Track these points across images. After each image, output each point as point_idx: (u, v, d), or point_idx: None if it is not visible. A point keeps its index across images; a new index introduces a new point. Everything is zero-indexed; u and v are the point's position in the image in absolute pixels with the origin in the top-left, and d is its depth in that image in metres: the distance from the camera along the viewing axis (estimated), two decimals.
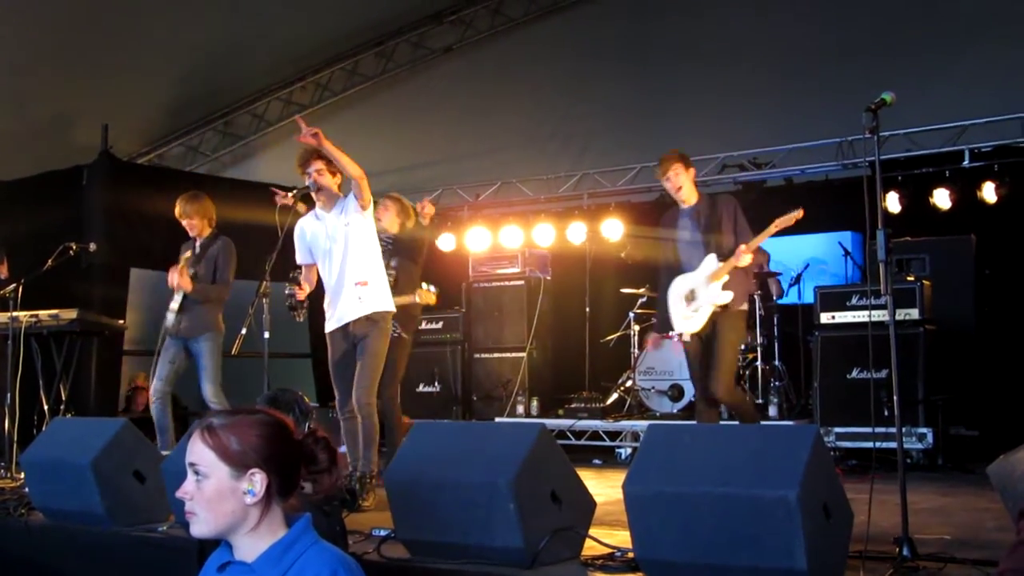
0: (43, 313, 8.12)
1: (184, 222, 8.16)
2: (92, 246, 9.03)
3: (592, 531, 4.49)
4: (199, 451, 2.78)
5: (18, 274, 8.34)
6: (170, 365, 7.84)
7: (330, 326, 6.69)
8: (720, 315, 6.98)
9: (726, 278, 7.00)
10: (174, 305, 7.82)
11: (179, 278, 7.69)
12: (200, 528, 2.78)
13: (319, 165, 6.54)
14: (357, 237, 6.59)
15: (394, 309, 6.76)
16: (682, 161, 7.32)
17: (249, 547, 2.82)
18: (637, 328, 10.77)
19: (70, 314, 8.11)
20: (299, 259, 6.91)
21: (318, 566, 2.78)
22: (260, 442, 2.81)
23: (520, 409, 10.88)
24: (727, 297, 6.97)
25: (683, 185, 7.30)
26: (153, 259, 11.48)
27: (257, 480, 2.79)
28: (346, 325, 6.60)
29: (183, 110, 15.24)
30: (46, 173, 11.09)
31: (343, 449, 6.84)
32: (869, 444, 7.88)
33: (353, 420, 6.62)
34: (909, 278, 8.65)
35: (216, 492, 2.76)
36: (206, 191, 9.27)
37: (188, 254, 8.04)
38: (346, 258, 6.59)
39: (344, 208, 6.60)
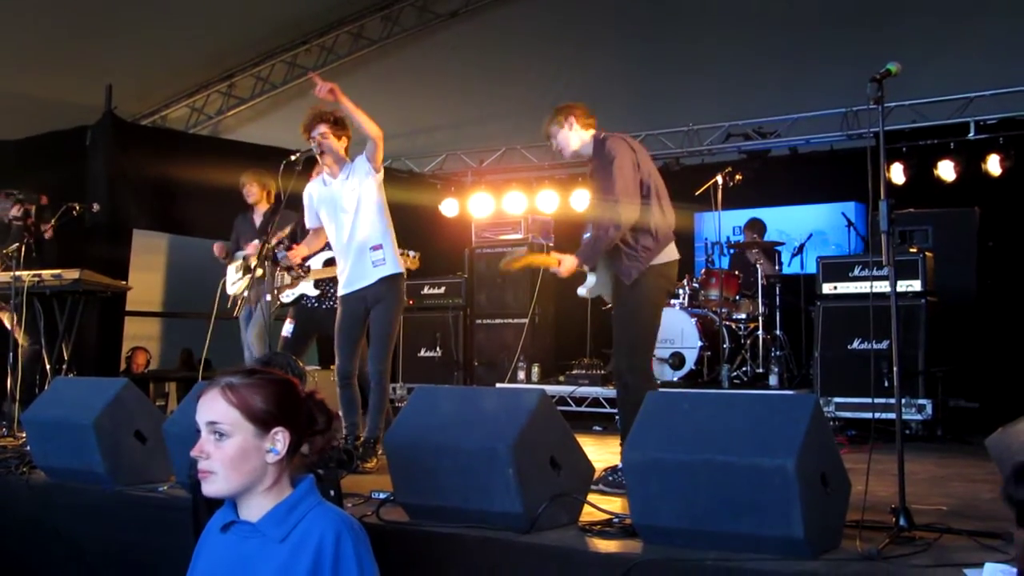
0: (46, 273, 8.12)
1: (244, 191, 8.35)
2: (95, 206, 9.03)
3: (591, 497, 4.50)
4: (222, 409, 2.78)
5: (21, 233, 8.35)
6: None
7: (343, 290, 6.67)
8: None
9: None
10: (249, 277, 7.91)
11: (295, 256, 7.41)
12: (218, 487, 2.79)
13: (324, 128, 6.50)
14: (368, 201, 6.54)
15: (405, 272, 6.73)
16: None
17: (256, 507, 2.84)
18: None
19: (73, 274, 8.10)
20: (307, 223, 6.90)
21: (322, 526, 2.80)
22: (281, 400, 2.84)
23: (521, 375, 10.90)
24: None
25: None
26: (156, 220, 11.51)
27: (280, 438, 2.82)
28: (360, 290, 6.58)
29: (187, 72, 15.21)
30: (50, 133, 11.07)
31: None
32: (868, 415, 7.90)
33: (349, 388, 6.62)
34: (912, 249, 8.64)
35: (240, 451, 2.77)
36: (209, 153, 9.30)
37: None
38: (356, 222, 6.55)
39: (352, 172, 6.57)
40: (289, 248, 6.93)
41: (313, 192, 6.79)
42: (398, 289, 6.62)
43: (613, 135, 5.96)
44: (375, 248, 6.52)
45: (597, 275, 6.02)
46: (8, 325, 8.53)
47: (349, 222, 6.56)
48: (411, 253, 7.07)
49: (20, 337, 8.39)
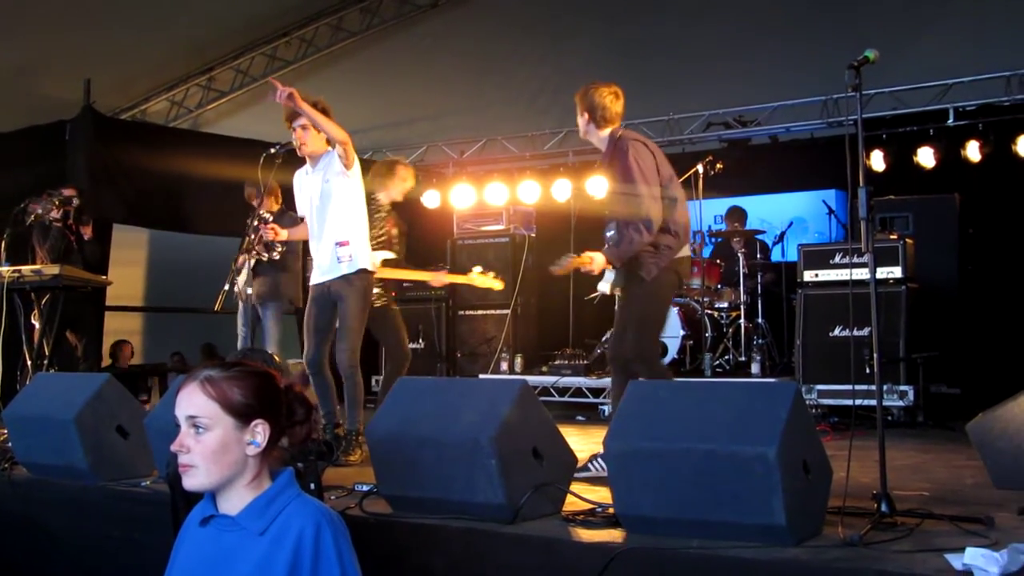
0: (25, 268, 8.09)
1: (255, 202, 8.36)
2: (73, 202, 9.00)
3: (574, 487, 4.51)
4: (201, 403, 2.78)
5: (0, 229, 8.32)
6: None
7: (313, 280, 6.69)
8: None
9: None
10: (245, 273, 7.92)
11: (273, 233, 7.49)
12: (198, 480, 2.79)
13: (304, 120, 6.49)
14: (338, 195, 6.53)
15: (373, 269, 6.72)
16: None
17: (236, 500, 2.84)
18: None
19: (52, 269, 8.08)
20: (298, 210, 6.91)
21: (302, 518, 2.80)
22: (260, 392, 2.85)
23: (504, 366, 10.91)
24: None
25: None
26: (136, 215, 11.45)
27: (260, 431, 2.82)
28: (325, 283, 6.59)
29: (167, 65, 15.15)
30: (28, 128, 11.00)
31: None
32: (850, 402, 7.92)
33: (320, 376, 6.61)
34: (892, 236, 8.65)
35: (220, 444, 2.77)
36: (189, 146, 9.26)
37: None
38: (326, 216, 6.55)
39: (328, 165, 6.56)
40: (265, 223, 6.92)
41: (297, 180, 6.80)
42: (361, 285, 6.59)
43: (629, 136, 5.98)
44: (341, 244, 6.51)
45: (615, 269, 6.02)
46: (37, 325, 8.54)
47: (320, 214, 6.58)
48: (478, 269, 7.22)
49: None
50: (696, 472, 3.67)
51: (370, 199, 7.06)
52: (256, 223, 6.91)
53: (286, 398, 2.97)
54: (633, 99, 11.61)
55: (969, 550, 3.29)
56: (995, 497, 4.64)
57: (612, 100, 6.18)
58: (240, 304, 8.21)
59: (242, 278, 8.13)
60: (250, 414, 2.81)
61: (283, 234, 6.96)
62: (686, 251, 6.08)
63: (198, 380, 2.82)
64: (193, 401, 2.79)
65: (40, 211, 8.63)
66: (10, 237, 8.21)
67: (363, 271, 6.56)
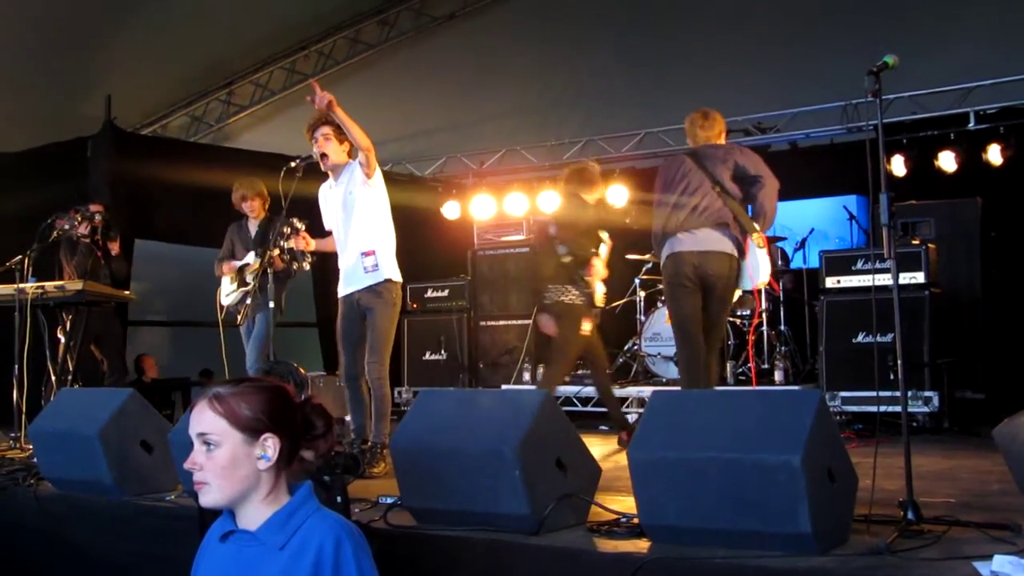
0: (49, 284, 8.13)
1: (245, 205, 8.37)
2: (97, 218, 9.05)
3: (597, 497, 4.49)
4: (209, 420, 2.80)
5: (24, 247, 8.35)
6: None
7: (341, 291, 6.69)
8: None
9: None
10: (246, 287, 7.96)
11: (276, 260, 7.57)
12: (212, 497, 2.81)
13: (327, 130, 6.49)
14: (362, 205, 6.54)
15: (399, 279, 6.72)
16: None
17: (254, 515, 2.84)
18: (643, 294, 10.77)
19: (76, 285, 8.12)
20: (325, 224, 6.93)
21: (322, 532, 2.80)
22: (269, 407, 2.85)
23: (526, 376, 10.89)
24: None
25: None
26: (158, 230, 11.50)
27: (270, 445, 2.82)
28: (353, 294, 6.59)
29: (186, 81, 15.22)
30: (50, 145, 11.06)
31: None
32: (875, 408, 7.88)
33: (355, 389, 6.61)
34: (914, 241, 8.63)
35: (230, 459, 2.78)
36: (210, 161, 9.27)
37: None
38: (350, 226, 6.56)
39: (350, 176, 6.57)
40: (297, 233, 6.95)
41: (322, 194, 6.82)
42: (389, 296, 6.57)
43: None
44: (366, 254, 6.51)
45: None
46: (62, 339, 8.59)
47: (344, 225, 6.59)
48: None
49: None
50: (721, 481, 3.66)
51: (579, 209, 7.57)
52: (286, 230, 6.93)
53: (302, 412, 2.98)
54: (652, 107, 11.64)
55: (997, 557, 3.27)
56: (1022, 503, 4.61)
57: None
58: (245, 322, 8.22)
59: (237, 294, 8.18)
60: (259, 428, 2.82)
61: (313, 244, 6.98)
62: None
63: (207, 398, 2.84)
64: (202, 419, 2.82)
65: (67, 227, 8.67)
66: (37, 253, 8.25)
67: (389, 281, 6.55)
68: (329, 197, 6.73)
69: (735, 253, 6.72)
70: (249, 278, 8.05)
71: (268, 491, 2.84)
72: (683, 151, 6.83)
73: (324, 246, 7.03)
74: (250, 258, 8.27)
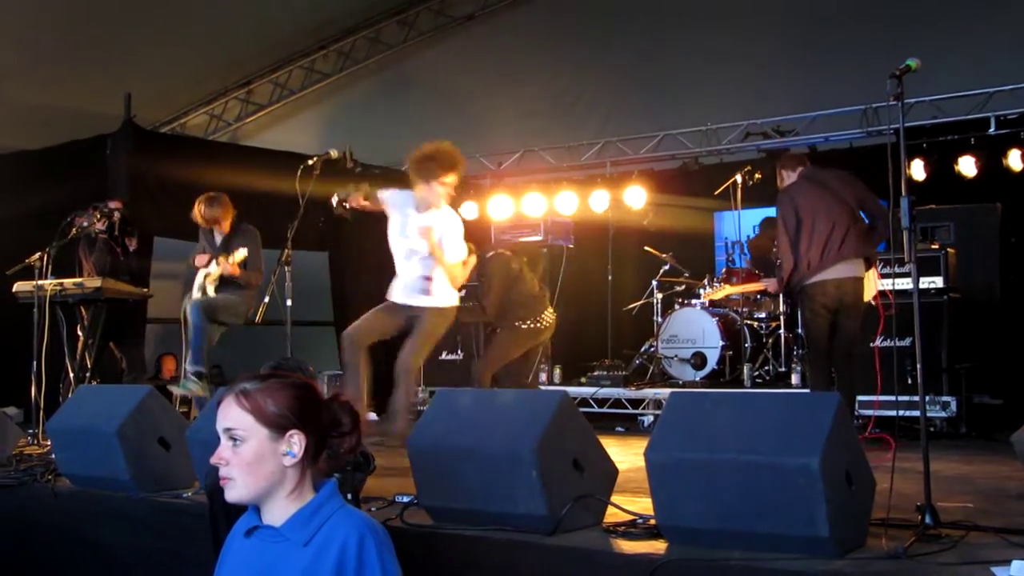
0: (68, 281, 8.17)
1: (213, 226, 8.43)
2: (115, 214, 9.08)
3: (614, 498, 4.49)
4: (236, 415, 2.81)
5: (44, 244, 8.39)
6: None
7: (395, 297, 6.81)
8: None
9: None
10: (207, 290, 8.03)
11: (229, 266, 7.80)
12: (238, 492, 2.82)
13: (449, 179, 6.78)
14: (428, 244, 6.77)
15: (454, 304, 6.89)
16: None
17: (279, 511, 2.85)
18: (660, 296, 10.76)
19: (95, 282, 8.15)
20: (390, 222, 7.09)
21: (346, 529, 2.81)
22: (296, 403, 2.86)
23: (543, 377, 10.88)
24: None
25: None
26: (177, 228, 11.51)
27: (296, 441, 2.83)
28: (407, 305, 6.71)
29: (205, 79, 15.26)
30: (69, 143, 11.11)
31: (372, 416, 6.91)
32: (893, 412, 7.86)
33: (351, 355, 6.71)
34: (934, 246, 8.60)
35: (256, 455, 2.79)
36: (228, 159, 9.29)
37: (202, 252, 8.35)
38: (416, 254, 6.73)
39: (436, 222, 6.69)
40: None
41: (400, 198, 6.99)
42: (440, 315, 6.86)
43: None
44: (426, 279, 6.67)
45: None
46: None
47: (412, 251, 6.82)
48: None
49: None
50: (738, 483, 3.65)
51: None
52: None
53: (329, 408, 2.98)
54: (671, 109, 11.63)
55: (1016, 562, 3.26)
56: None
57: None
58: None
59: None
60: (285, 425, 2.83)
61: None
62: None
63: (234, 393, 2.85)
64: (229, 414, 2.82)
65: (85, 223, 8.70)
66: (56, 250, 8.28)
67: (442, 307, 6.72)
68: (400, 212, 6.89)
69: None
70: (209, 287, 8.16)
71: (293, 487, 2.85)
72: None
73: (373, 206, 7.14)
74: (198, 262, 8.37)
